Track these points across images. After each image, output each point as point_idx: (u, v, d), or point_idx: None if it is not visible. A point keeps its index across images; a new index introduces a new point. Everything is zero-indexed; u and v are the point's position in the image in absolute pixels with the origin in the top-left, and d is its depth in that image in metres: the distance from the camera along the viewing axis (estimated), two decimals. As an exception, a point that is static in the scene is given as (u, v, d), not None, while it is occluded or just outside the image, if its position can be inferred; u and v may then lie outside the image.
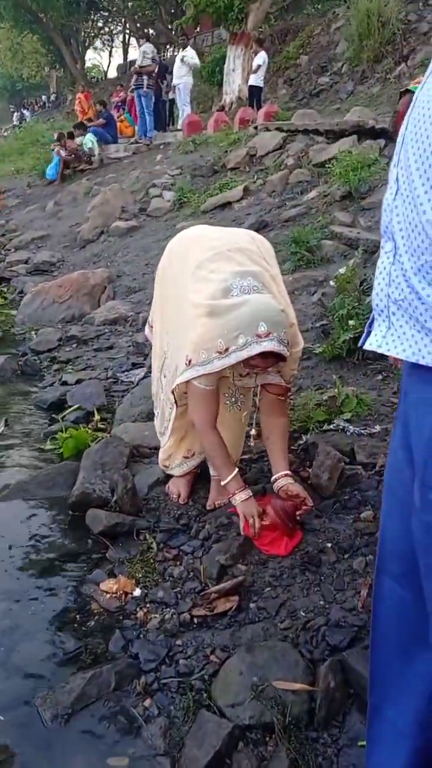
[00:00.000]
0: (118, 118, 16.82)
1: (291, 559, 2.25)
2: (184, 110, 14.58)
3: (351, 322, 3.55)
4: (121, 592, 2.25)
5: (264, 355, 2.10)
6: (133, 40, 33.57)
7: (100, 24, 37.53)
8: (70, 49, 31.89)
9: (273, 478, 2.46)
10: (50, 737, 1.75)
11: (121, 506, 2.66)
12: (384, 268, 1.09)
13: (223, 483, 2.42)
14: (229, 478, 2.38)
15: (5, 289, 7.63)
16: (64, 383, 4.36)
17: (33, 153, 17.11)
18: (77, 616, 2.17)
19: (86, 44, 37.32)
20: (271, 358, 2.13)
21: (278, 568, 2.23)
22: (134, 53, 18.77)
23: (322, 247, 5.31)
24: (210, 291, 2.21)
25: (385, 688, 1.30)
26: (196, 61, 14.31)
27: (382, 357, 3.45)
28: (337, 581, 2.13)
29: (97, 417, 3.74)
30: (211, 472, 2.70)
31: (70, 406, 3.92)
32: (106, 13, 34.69)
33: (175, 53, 17.75)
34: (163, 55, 24.84)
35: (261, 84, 13.73)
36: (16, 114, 37.29)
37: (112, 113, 17.02)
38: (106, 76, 42.58)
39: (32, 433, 3.74)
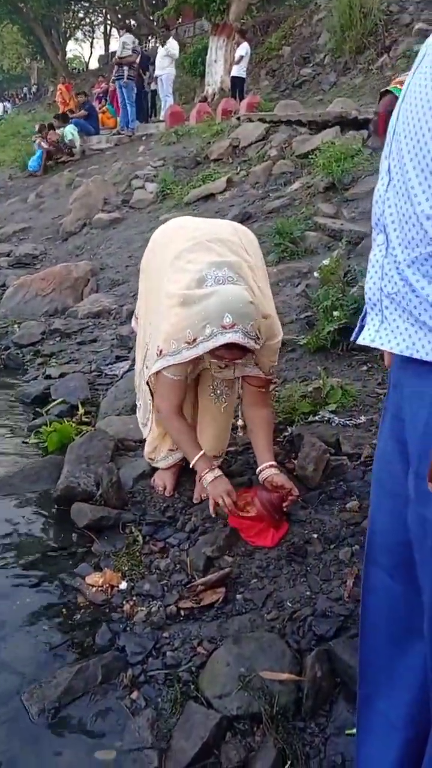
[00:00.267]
0: (99, 109, 16.68)
1: (277, 551, 2.25)
2: (167, 101, 14.52)
3: (335, 314, 3.55)
4: (108, 585, 2.23)
5: (229, 346, 2.10)
6: (114, 31, 33.32)
7: (81, 14, 37.24)
8: (50, 40, 31.58)
9: (258, 469, 2.46)
10: (37, 732, 1.73)
11: (107, 500, 2.65)
12: (376, 261, 1.08)
13: (191, 464, 2.43)
14: (196, 458, 2.40)
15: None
16: (48, 377, 4.33)
17: (14, 145, 16.94)
18: (63, 610, 2.16)
19: (67, 35, 37.00)
20: (237, 350, 2.13)
21: (265, 560, 2.23)
22: (116, 44, 18.57)
23: (306, 239, 5.31)
24: (185, 281, 2.20)
25: (376, 679, 1.30)
26: (175, 52, 14.24)
27: (367, 348, 3.47)
28: (323, 572, 2.14)
29: (81, 410, 3.72)
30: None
31: (54, 400, 3.90)
32: (87, 4, 34.41)
33: (157, 44, 17.63)
34: (145, 46, 24.69)
35: (243, 75, 13.68)
36: (-4, 106, 36.91)
37: (94, 104, 16.89)
38: (87, 67, 42.27)
39: (16, 427, 3.71)
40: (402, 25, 11.90)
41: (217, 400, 2.60)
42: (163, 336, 2.25)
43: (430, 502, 1.01)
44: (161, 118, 14.68)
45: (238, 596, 2.11)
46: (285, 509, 2.37)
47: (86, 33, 40.67)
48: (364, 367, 3.45)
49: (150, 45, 26.47)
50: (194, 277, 2.18)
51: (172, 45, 14.22)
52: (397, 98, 1.74)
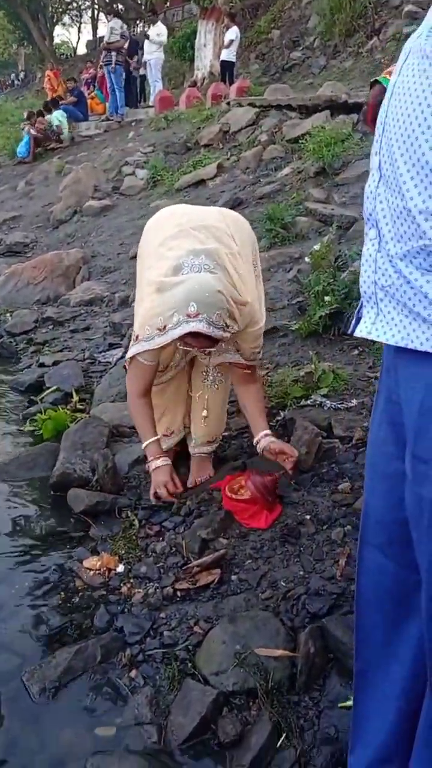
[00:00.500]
0: (88, 95, 16.54)
1: (271, 532, 2.29)
2: (156, 86, 14.43)
3: (327, 299, 3.58)
4: (105, 568, 2.27)
5: (195, 335, 2.13)
6: (102, 16, 32.97)
7: (68, -1, 36.79)
8: (37, 25, 31.19)
9: (255, 440, 2.52)
10: (38, 711, 1.78)
11: (102, 485, 2.68)
12: (369, 255, 1.10)
13: (143, 446, 2.50)
14: (149, 441, 2.48)
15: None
16: (42, 365, 4.36)
17: (2, 132, 16.77)
18: (62, 593, 2.20)
19: (54, 20, 36.57)
20: (203, 338, 2.15)
21: (259, 541, 2.27)
22: (104, 29, 18.41)
23: (297, 224, 5.32)
24: (164, 268, 2.24)
25: (371, 655, 1.34)
26: (162, 38, 14.13)
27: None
28: (316, 552, 2.18)
29: (75, 398, 3.75)
30: (191, 450, 2.73)
31: (48, 388, 3.93)
32: (74, -13, 34.00)
33: (145, 28, 17.46)
34: (133, 31, 24.42)
35: (233, 59, 13.61)
36: (-17, 93, 36.52)
37: (82, 90, 16.75)
38: (75, 52, 41.83)
39: (10, 415, 3.74)
40: (391, 7, 11.84)
41: (212, 386, 2.63)
42: (139, 321, 2.31)
43: (427, 481, 1.04)
44: (150, 104, 14.59)
45: (233, 577, 2.15)
46: (278, 491, 2.41)
47: (73, 18, 40.22)
48: (355, 352, 3.49)
49: (138, 29, 26.19)
50: (172, 264, 2.21)
51: (161, 29, 14.11)
52: (385, 89, 1.77)
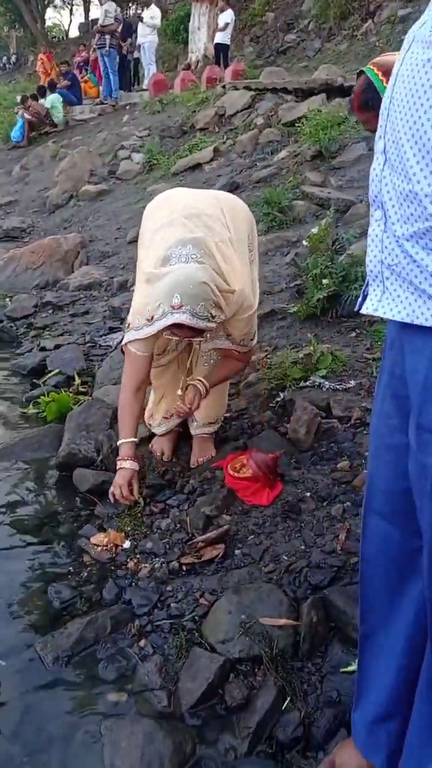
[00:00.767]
0: (81, 78, 16.43)
1: (273, 509, 2.36)
2: (150, 69, 14.36)
3: (324, 281, 3.62)
4: (112, 544, 2.34)
5: (180, 326, 2.18)
6: (94, -2, 32.57)
7: (59, -20, 36.30)
8: (29, 7, 30.72)
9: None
10: (52, 678, 1.85)
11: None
12: (376, 235, 1.14)
13: (119, 442, 2.52)
14: (125, 441, 2.49)
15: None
16: (43, 349, 4.40)
17: (-5, 117, 16.71)
18: (70, 568, 2.27)
19: (46, 2, 36.05)
20: (188, 329, 2.20)
21: (261, 517, 2.34)
22: (96, 11, 18.29)
23: (294, 208, 5.35)
24: (153, 259, 2.28)
25: (375, 618, 1.40)
26: (156, 21, 14.03)
27: (356, 315, 3.55)
28: (316, 527, 2.24)
29: (77, 381, 3.80)
30: (192, 431, 2.79)
31: (50, 371, 3.97)
32: (65, -31, 33.55)
33: (139, 11, 17.32)
34: (126, 13, 24.17)
35: (228, 42, 13.54)
36: (-25, 77, 36.08)
37: (75, 74, 16.63)
38: (67, 35, 41.28)
39: (13, 398, 3.79)
40: (386, -11, 11.79)
41: (211, 369, 2.69)
42: (131, 311, 2.36)
43: (430, 450, 1.10)
44: (144, 87, 14.52)
45: (237, 551, 2.22)
46: (279, 470, 2.47)
47: (65, 0, 39.68)
48: (353, 334, 3.54)
49: (131, 12, 25.93)
50: (160, 255, 2.25)
51: (154, 12, 14.02)
52: (370, 79, 1.82)
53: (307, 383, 3.07)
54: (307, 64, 12.14)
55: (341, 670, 1.78)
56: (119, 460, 2.49)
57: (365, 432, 2.61)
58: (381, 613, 1.39)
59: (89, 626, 1.97)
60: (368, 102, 1.84)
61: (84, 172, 9.23)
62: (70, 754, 1.66)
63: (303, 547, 2.17)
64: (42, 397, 3.50)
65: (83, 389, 3.72)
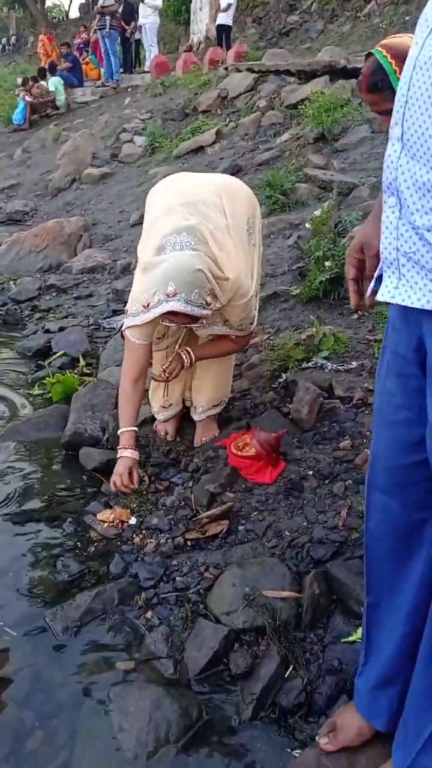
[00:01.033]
0: (82, 60, 16.29)
1: (275, 487, 2.40)
2: (151, 51, 14.24)
3: (327, 264, 3.65)
4: (118, 521, 2.39)
5: (175, 313, 2.22)
6: (94, -23, 32.16)
7: (59, -41, 35.86)
8: (29, -13, 30.48)
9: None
10: (62, 647, 1.91)
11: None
12: (390, 222, 1.13)
13: (119, 431, 2.55)
14: (125, 429, 2.52)
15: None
16: (47, 331, 4.44)
17: (-4, 99, 16.60)
18: (78, 543, 2.33)
19: (46, -19, 35.66)
20: (183, 316, 2.24)
21: (264, 495, 2.38)
22: (97, -9, 18.04)
23: (297, 190, 5.36)
24: (150, 248, 2.32)
25: (381, 589, 1.45)
26: (158, 2, 13.91)
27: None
28: (318, 504, 2.29)
29: (82, 362, 3.85)
30: (196, 417, 2.83)
31: (55, 353, 4.02)
32: None
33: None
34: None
35: (230, 23, 13.41)
36: (-25, 58, 35.76)
37: (76, 55, 16.49)
38: (67, 16, 40.86)
39: (19, 379, 3.83)
40: (390, -31, 11.68)
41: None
42: (130, 297, 2.40)
43: None
44: (146, 69, 14.41)
45: (240, 528, 2.27)
46: (281, 449, 2.52)
47: (65, -21, 39.26)
48: (355, 316, 3.56)
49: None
50: (156, 244, 2.28)
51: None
52: (379, 61, 1.82)
53: (310, 364, 3.10)
54: (309, 45, 12.08)
55: (342, 640, 1.83)
56: (120, 449, 2.52)
57: (367, 412, 2.65)
58: (386, 585, 1.43)
59: (97, 598, 2.03)
60: (377, 84, 1.85)
61: (86, 155, 9.22)
62: (80, 719, 1.72)
63: (305, 523, 2.22)
64: (47, 378, 3.55)
65: (88, 370, 3.77)
